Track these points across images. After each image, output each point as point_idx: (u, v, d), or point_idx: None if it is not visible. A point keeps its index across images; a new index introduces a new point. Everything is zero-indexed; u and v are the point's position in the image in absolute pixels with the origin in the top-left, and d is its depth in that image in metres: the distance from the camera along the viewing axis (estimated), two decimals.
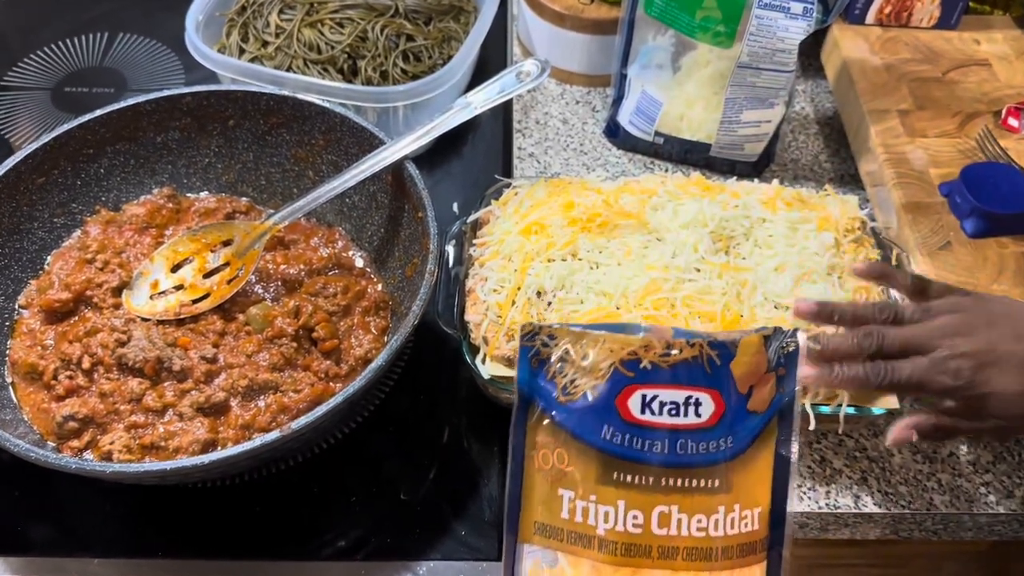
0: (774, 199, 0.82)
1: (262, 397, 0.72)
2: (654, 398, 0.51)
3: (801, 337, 0.53)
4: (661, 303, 0.71)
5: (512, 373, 0.71)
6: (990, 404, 0.59)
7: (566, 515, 0.51)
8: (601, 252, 0.76)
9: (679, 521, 0.50)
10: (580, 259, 0.75)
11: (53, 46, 1.14)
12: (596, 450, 0.51)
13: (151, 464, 0.62)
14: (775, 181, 0.85)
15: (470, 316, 0.74)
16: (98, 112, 0.82)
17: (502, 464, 0.76)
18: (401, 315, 0.78)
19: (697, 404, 0.51)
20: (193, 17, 0.97)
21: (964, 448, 0.77)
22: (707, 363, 0.51)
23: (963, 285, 0.78)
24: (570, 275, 0.73)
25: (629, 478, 0.51)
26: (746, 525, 0.51)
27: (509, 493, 0.53)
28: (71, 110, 1.05)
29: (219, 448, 0.68)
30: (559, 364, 0.53)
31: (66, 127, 0.81)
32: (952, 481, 0.75)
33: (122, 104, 0.83)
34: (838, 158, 1.00)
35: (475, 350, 0.73)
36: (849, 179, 0.98)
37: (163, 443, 0.69)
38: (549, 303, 0.73)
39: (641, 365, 0.51)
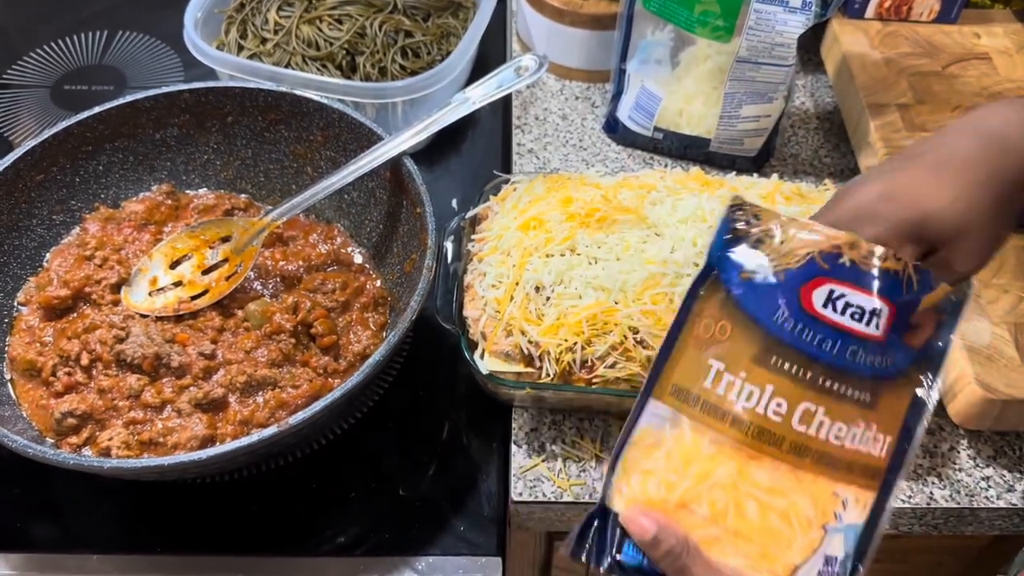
0: (773, 194, 0.81)
1: (260, 393, 0.72)
2: (841, 296, 0.50)
3: (971, 289, 0.52)
4: (660, 298, 0.71)
5: (511, 368, 0.71)
6: (934, 232, 0.54)
7: (708, 384, 0.50)
8: (600, 247, 0.76)
9: (821, 423, 0.49)
10: (579, 254, 0.75)
11: (52, 44, 1.14)
12: (763, 330, 0.50)
13: (149, 460, 0.62)
14: (774, 176, 0.85)
15: (468, 311, 0.74)
16: (97, 109, 0.82)
17: (501, 460, 0.76)
18: (400, 311, 0.78)
19: (879, 315, 0.50)
20: (192, 14, 0.97)
21: (965, 443, 0.77)
22: (905, 283, 0.50)
23: None
24: (568, 270, 0.73)
25: (787, 366, 0.49)
26: (877, 448, 0.50)
27: (659, 352, 0.52)
28: (71, 108, 1.06)
29: (217, 444, 0.68)
30: (755, 243, 0.51)
31: (65, 124, 0.81)
32: (953, 475, 0.74)
33: (121, 101, 0.83)
34: (838, 153, 1.00)
35: (474, 345, 0.73)
36: (849, 174, 0.97)
37: (161, 439, 0.69)
38: (548, 298, 0.73)
39: (840, 260, 0.50)
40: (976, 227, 0.54)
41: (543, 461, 0.74)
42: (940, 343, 0.52)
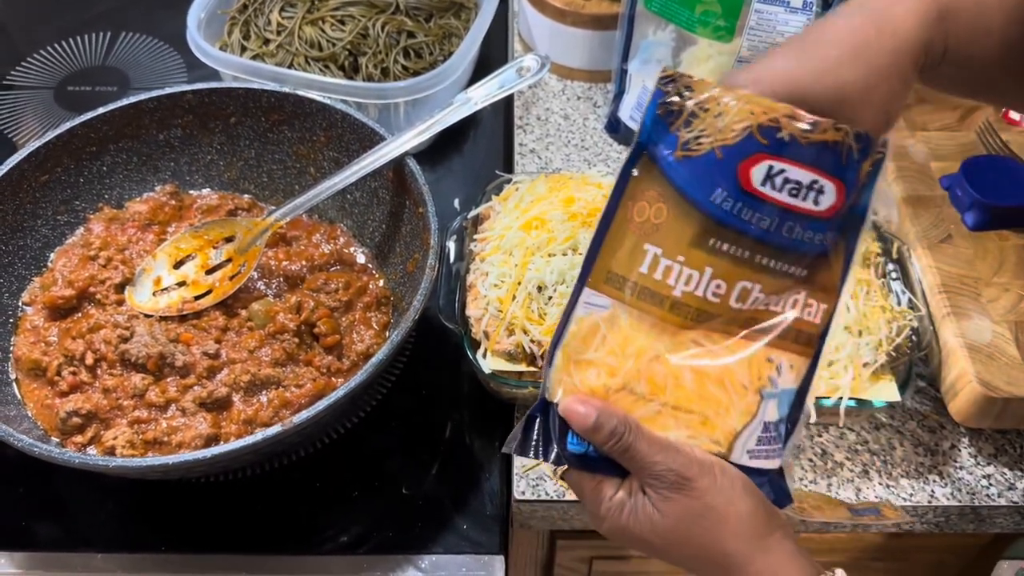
0: None
1: (264, 392, 0.72)
2: (780, 172, 0.47)
3: (889, 148, 0.50)
4: None
5: (513, 368, 0.72)
6: (809, 106, 0.50)
7: (644, 270, 0.49)
8: None
9: (757, 299, 0.48)
10: (580, 253, 0.75)
11: (56, 45, 1.15)
12: (700, 211, 0.48)
13: (154, 458, 0.62)
14: None
15: (471, 311, 0.74)
16: (101, 110, 0.83)
17: (503, 459, 0.76)
18: (402, 311, 0.78)
19: (819, 191, 0.48)
20: (195, 15, 0.97)
21: (966, 441, 0.77)
22: (845, 153, 0.48)
23: (963, 278, 0.78)
24: (571, 269, 0.73)
25: (725, 247, 0.48)
26: (810, 314, 0.50)
27: (592, 239, 0.50)
28: (74, 109, 1.06)
29: (221, 443, 0.69)
30: (689, 117, 0.48)
31: (69, 125, 0.81)
32: (954, 474, 0.75)
33: (124, 102, 0.83)
34: None
35: (476, 345, 0.73)
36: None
37: (166, 438, 0.69)
38: (550, 297, 0.73)
39: (779, 135, 0.47)
40: (852, 108, 0.52)
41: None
42: (862, 203, 0.50)
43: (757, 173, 0.48)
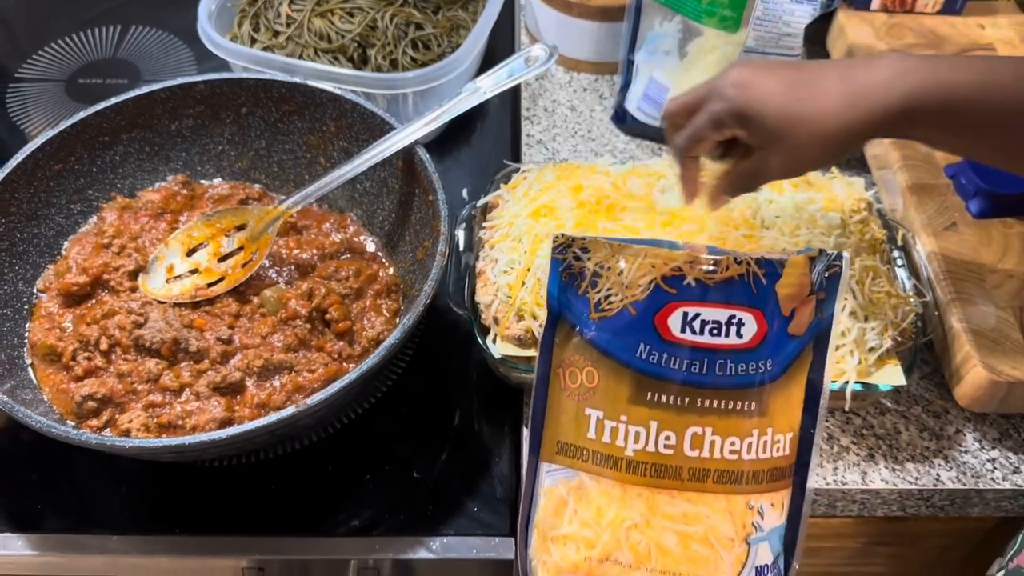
0: (780, 181, 0.82)
1: (277, 377, 0.73)
2: (696, 316, 0.48)
3: (846, 260, 0.51)
4: None
5: (523, 353, 0.72)
6: (754, 128, 0.60)
7: (592, 435, 0.49)
8: (609, 234, 0.77)
9: (712, 443, 0.48)
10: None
11: (67, 38, 1.16)
12: (630, 369, 0.48)
13: (170, 439, 0.63)
14: None
15: (481, 297, 0.75)
16: (114, 100, 0.84)
17: (513, 443, 0.77)
18: (412, 298, 0.79)
19: (740, 324, 0.48)
20: (205, 7, 0.98)
21: (970, 425, 0.78)
22: (753, 282, 0.48)
23: (968, 265, 0.79)
24: None
25: (663, 398, 0.48)
26: (778, 450, 0.49)
27: (532, 411, 0.51)
28: (85, 101, 1.07)
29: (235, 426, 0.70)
30: (593, 279, 0.49)
31: (82, 115, 0.82)
32: (959, 457, 0.75)
33: (137, 92, 0.84)
34: None
35: (486, 330, 0.74)
36: (855, 163, 0.98)
37: (180, 422, 0.70)
38: None
39: (685, 282, 0.48)
40: (793, 146, 0.59)
41: None
42: (823, 320, 0.51)
43: (674, 322, 0.48)
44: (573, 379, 0.50)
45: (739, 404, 0.49)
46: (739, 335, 0.48)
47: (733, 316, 0.48)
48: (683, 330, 0.48)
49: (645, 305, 0.48)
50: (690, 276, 0.48)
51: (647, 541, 0.49)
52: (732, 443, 0.49)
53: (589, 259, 0.50)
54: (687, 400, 0.48)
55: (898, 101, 0.57)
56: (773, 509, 0.50)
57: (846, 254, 0.51)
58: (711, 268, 0.48)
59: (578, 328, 0.50)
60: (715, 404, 0.49)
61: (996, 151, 0.61)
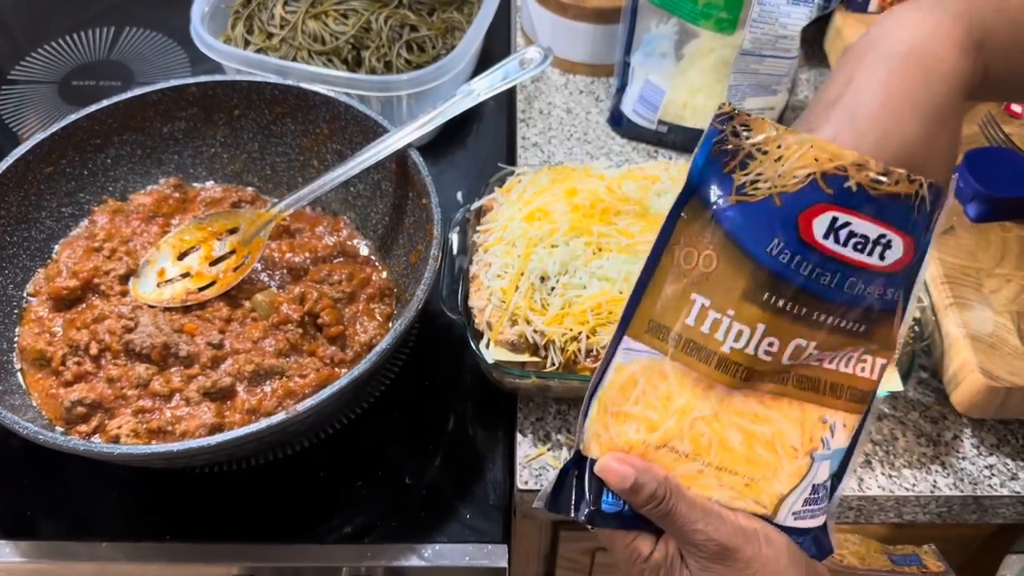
0: None
1: (268, 382, 0.72)
2: (845, 225, 0.43)
3: (952, 184, 0.46)
4: None
5: (516, 358, 0.72)
6: None
7: (691, 321, 0.45)
8: (604, 238, 0.76)
9: (811, 355, 0.45)
10: (589, 243, 0.75)
11: (60, 40, 1.15)
12: (755, 263, 0.44)
13: (159, 446, 0.62)
14: None
15: (474, 302, 0.74)
16: (105, 102, 0.83)
17: (506, 449, 0.77)
18: (405, 302, 0.78)
19: (887, 246, 0.44)
20: (198, 9, 0.97)
21: (968, 431, 0.77)
22: (917, 205, 0.44)
23: (965, 269, 0.78)
24: (573, 260, 0.73)
25: (780, 303, 0.44)
26: (863, 371, 0.46)
27: (636, 283, 0.47)
28: (78, 103, 1.06)
29: (226, 432, 0.69)
30: (745, 159, 0.44)
31: (74, 117, 0.82)
32: (956, 463, 0.75)
33: (129, 94, 0.84)
34: None
35: (479, 335, 0.73)
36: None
37: (170, 427, 0.69)
38: (552, 288, 0.73)
39: (846, 184, 0.43)
40: (923, 155, 0.47)
41: (548, 450, 0.75)
42: (923, 249, 0.47)
43: (819, 225, 0.44)
44: (688, 260, 0.46)
45: (853, 325, 0.45)
46: (882, 257, 0.44)
47: (884, 235, 0.44)
48: (826, 236, 0.44)
49: (794, 199, 0.43)
50: (853, 179, 0.43)
51: (711, 434, 0.46)
52: (830, 357, 0.46)
53: (748, 137, 0.44)
54: (804, 310, 0.44)
55: (966, 43, 0.48)
56: (844, 430, 0.47)
57: (952, 180, 0.47)
58: (880, 177, 0.43)
59: (711, 206, 0.45)
60: (830, 321, 0.45)
61: None
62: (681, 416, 0.46)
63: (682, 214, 0.46)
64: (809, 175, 0.43)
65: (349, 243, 0.86)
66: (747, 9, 0.85)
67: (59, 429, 0.71)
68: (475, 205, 0.82)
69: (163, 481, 0.74)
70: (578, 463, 0.49)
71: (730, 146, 0.45)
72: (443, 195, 0.77)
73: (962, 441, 0.76)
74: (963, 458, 0.75)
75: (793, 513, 0.47)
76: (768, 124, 0.45)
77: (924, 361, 0.80)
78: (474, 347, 0.72)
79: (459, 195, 0.94)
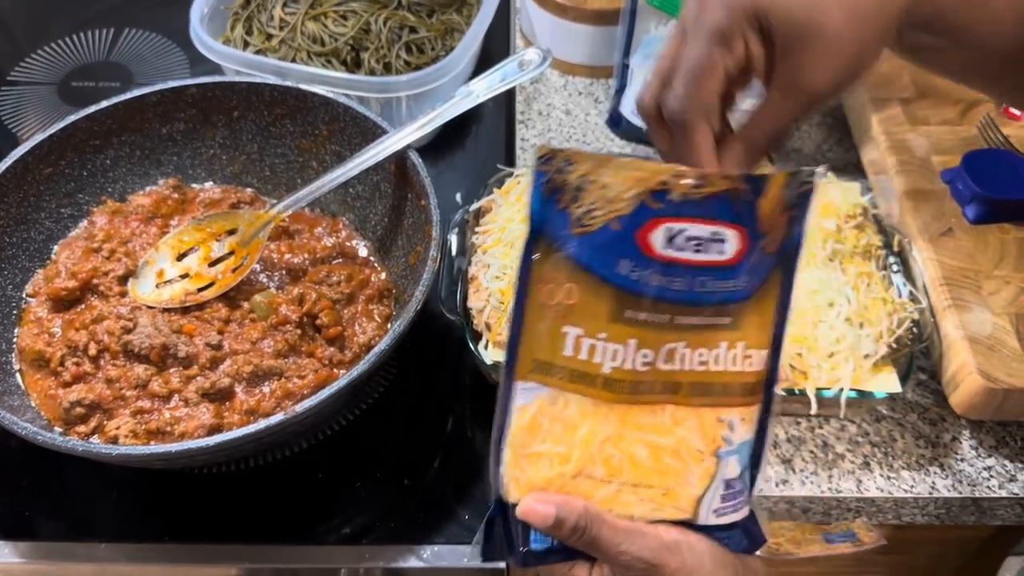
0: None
1: (267, 383, 0.72)
2: (680, 232, 0.46)
3: (819, 175, 0.49)
4: None
5: None
6: (777, 22, 0.50)
7: (569, 352, 0.48)
8: None
9: (683, 356, 0.47)
10: None
11: (59, 41, 1.15)
12: (611, 285, 0.47)
13: (158, 446, 0.62)
14: None
15: (473, 303, 0.74)
16: (104, 103, 0.83)
17: None
18: (404, 303, 0.78)
19: (722, 240, 0.47)
20: (198, 10, 0.98)
21: (967, 433, 0.77)
22: (738, 198, 0.47)
23: (964, 271, 0.78)
24: None
25: (643, 316, 0.47)
26: (750, 364, 0.49)
27: (509, 329, 0.49)
28: (78, 104, 1.05)
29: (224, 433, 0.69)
30: (576, 192, 0.47)
31: (73, 118, 0.82)
32: (955, 465, 0.75)
33: (128, 95, 0.84)
34: (841, 148, 1.01)
35: (478, 336, 0.73)
36: (852, 168, 0.98)
37: (169, 428, 0.69)
38: None
39: (670, 196, 0.46)
40: (829, 38, 0.48)
41: None
42: (794, 238, 0.50)
43: (657, 238, 0.47)
44: (551, 296, 0.48)
45: (716, 320, 0.48)
46: (720, 252, 0.47)
47: (717, 232, 0.47)
48: (666, 246, 0.47)
49: (629, 220, 0.47)
50: (675, 191, 0.47)
51: (620, 455, 0.49)
52: (700, 355, 0.48)
53: (573, 171, 0.47)
54: (666, 317, 0.47)
55: None
56: (743, 424, 0.50)
57: (820, 169, 0.49)
58: (697, 182, 0.47)
59: (558, 243, 0.48)
60: (693, 321, 0.48)
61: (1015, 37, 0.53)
62: (587, 443, 0.49)
63: (533, 256, 0.49)
64: (636, 195, 0.47)
65: (348, 244, 0.86)
66: None
67: (58, 429, 0.71)
68: (474, 206, 0.82)
69: (162, 482, 0.74)
70: (502, 509, 0.51)
71: (559, 183, 0.47)
72: (442, 196, 0.77)
73: (961, 443, 0.76)
74: (962, 460, 0.75)
75: (714, 511, 0.50)
76: (588, 155, 0.47)
77: (923, 363, 0.80)
78: (473, 348, 0.72)
79: (458, 196, 0.94)
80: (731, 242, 0.47)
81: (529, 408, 0.49)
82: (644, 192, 0.46)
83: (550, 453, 0.49)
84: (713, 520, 0.50)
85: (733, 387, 0.49)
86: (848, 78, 0.52)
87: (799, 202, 0.49)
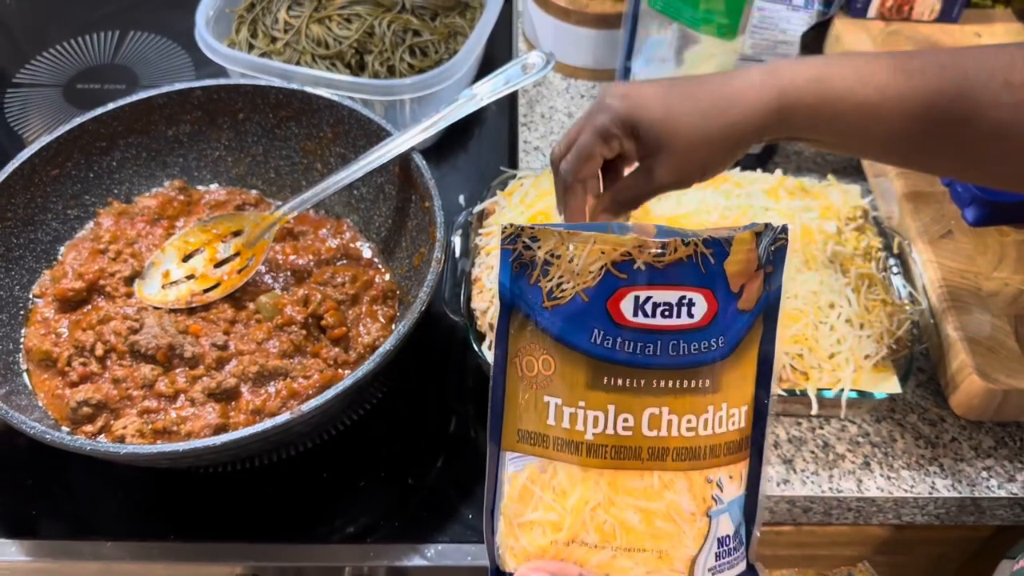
0: (777, 188, 0.82)
1: (272, 383, 0.73)
2: (647, 299, 0.48)
3: (791, 232, 0.51)
4: None
5: None
6: (643, 134, 0.61)
7: (552, 421, 0.49)
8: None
9: (669, 422, 0.49)
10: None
11: (65, 44, 1.16)
12: (585, 355, 0.49)
13: (164, 445, 0.63)
14: (778, 172, 0.86)
15: (476, 304, 0.75)
16: (111, 105, 0.84)
17: None
18: (408, 304, 0.79)
19: (690, 304, 0.48)
20: (203, 13, 0.98)
21: (966, 433, 0.78)
22: (701, 262, 0.49)
23: (963, 273, 0.79)
24: None
25: (620, 382, 0.48)
26: (733, 423, 0.50)
27: (492, 402, 0.51)
28: (83, 107, 1.06)
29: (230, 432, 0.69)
30: (544, 267, 0.49)
31: (80, 120, 0.83)
32: (954, 466, 0.75)
33: (135, 98, 0.85)
34: None
35: (481, 337, 0.74)
36: (852, 171, 0.98)
37: (175, 428, 0.70)
38: None
39: (635, 266, 0.48)
40: (679, 149, 0.60)
41: None
42: (771, 292, 0.51)
43: (625, 306, 0.48)
44: (530, 368, 0.50)
45: (693, 382, 0.49)
46: (690, 315, 0.49)
47: (683, 297, 0.49)
48: (635, 314, 0.48)
49: (596, 291, 0.49)
50: (639, 260, 0.48)
51: (611, 520, 0.49)
52: (689, 421, 0.49)
53: (539, 248, 0.49)
54: (642, 382, 0.49)
55: (775, 97, 0.58)
56: (731, 481, 0.51)
57: (791, 226, 0.52)
58: (659, 251, 0.48)
59: (532, 317, 0.50)
60: (670, 384, 0.49)
61: (881, 149, 0.61)
62: (578, 510, 0.50)
63: (509, 330, 0.51)
64: (602, 267, 0.48)
65: (352, 246, 0.86)
66: (747, 15, 0.85)
67: (65, 429, 0.71)
68: (477, 208, 0.82)
69: (167, 481, 0.75)
70: None
71: (527, 259, 0.50)
72: (445, 198, 0.78)
73: (960, 443, 0.77)
74: (961, 460, 0.76)
75: (709, 570, 0.50)
76: (552, 232, 0.50)
77: (922, 364, 0.81)
78: (476, 348, 0.73)
79: (461, 198, 0.95)
80: (700, 305, 0.49)
81: (519, 476, 0.51)
82: (609, 263, 0.48)
83: (542, 521, 0.50)
84: None
85: (719, 448, 0.50)
86: (692, 177, 0.63)
87: (774, 258, 0.50)
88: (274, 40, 1.01)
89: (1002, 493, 0.74)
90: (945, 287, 0.77)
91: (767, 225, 0.51)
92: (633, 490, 0.49)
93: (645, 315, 0.48)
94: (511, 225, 0.50)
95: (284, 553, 0.71)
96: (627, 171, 0.66)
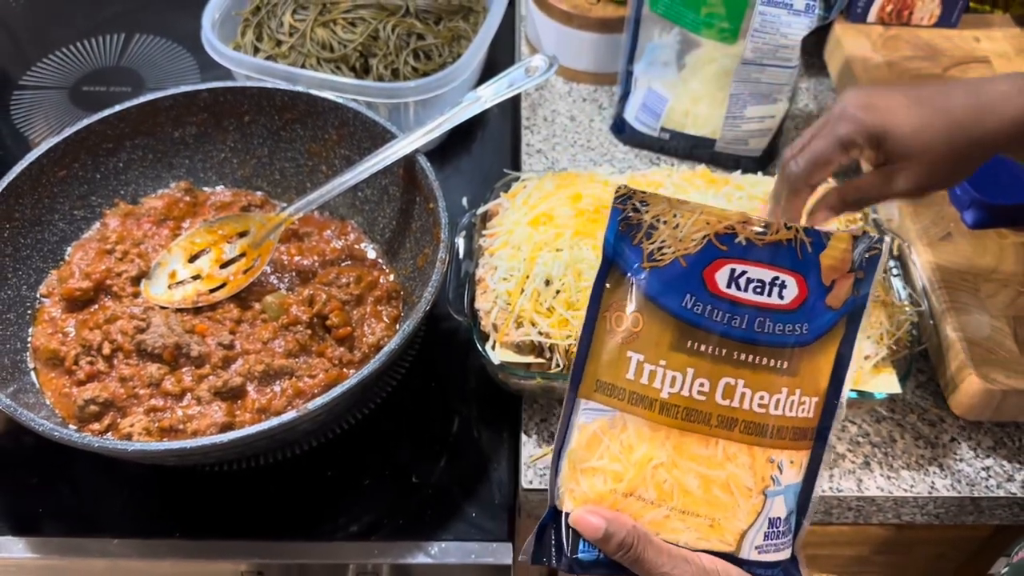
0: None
1: (278, 382, 0.74)
2: (743, 274, 0.51)
3: (886, 244, 0.53)
4: None
5: (522, 359, 0.73)
6: (890, 146, 0.61)
7: (631, 376, 0.51)
8: None
9: (743, 395, 0.51)
10: (595, 247, 0.77)
11: (71, 46, 1.17)
12: (674, 317, 0.51)
13: (172, 443, 0.63)
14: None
15: (480, 304, 0.75)
16: (118, 107, 0.85)
17: (511, 449, 0.78)
18: (412, 304, 0.80)
19: (782, 286, 0.51)
20: (209, 16, 0.99)
21: (965, 434, 0.78)
22: (799, 248, 0.51)
23: (963, 275, 0.79)
24: (576, 263, 0.75)
25: (702, 347, 0.51)
26: (803, 410, 0.52)
27: (578, 350, 0.53)
28: (89, 109, 1.07)
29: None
30: (649, 230, 0.52)
31: (87, 121, 0.83)
32: (954, 465, 0.76)
33: (141, 99, 0.85)
34: None
35: (485, 337, 0.74)
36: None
37: (181, 426, 0.71)
38: (558, 291, 0.75)
39: (736, 240, 0.51)
40: (926, 160, 0.61)
41: (552, 450, 0.76)
42: (858, 297, 0.53)
43: (721, 277, 0.51)
44: (619, 322, 0.52)
45: (772, 361, 0.51)
46: (780, 296, 0.51)
47: (777, 277, 0.51)
48: (729, 285, 0.51)
49: (696, 259, 0.51)
50: (741, 235, 0.51)
51: (672, 481, 0.51)
52: (761, 397, 0.51)
53: (647, 211, 0.52)
54: (724, 351, 0.51)
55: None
56: (792, 466, 0.52)
57: (887, 238, 0.54)
58: (762, 230, 0.51)
59: (629, 275, 0.52)
60: (750, 358, 0.51)
61: None
62: (642, 466, 0.51)
63: (606, 284, 0.53)
64: (704, 237, 0.51)
65: (357, 247, 0.87)
66: (748, 19, 0.86)
67: (72, 427, 0.72)
68: (481, 210, 0.83)
69: (173, 479, 0.75)
70: (554, 517, 0.53)
71: (634, 221, 0.53)
72: (449, 200, 0.78)
73: (959, 443, 0.78)
74: (960, 460, 0.77)
75: (756, 547, 0.52)
76: (662, 198, 0.53)
77: (922, 364, 0.81)
78: (480, 348, 0.73)
79: (464, 200, 0.95)
80: (791, 288, 0.51)
81: (590, 426, 0.52)
82: (712, 234, 0.51)
83: (605, 469, 0.52)
84: (754, 556, 0.52)
85: (785, 431, 0.51)
86: (934, 187, 0.64)
87: (866, 266, 0.52)
88: (279, 43, 1.02)
89: (1001, 493, 0.75)
90: (944, 288, 0.78)
91: (865, 232, 0.53)
92: (697, 456, 0.51)
93: (738, 288, 0.51)
94: (624, 186, 0.52)
95: (289, 551, 0.72)
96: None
